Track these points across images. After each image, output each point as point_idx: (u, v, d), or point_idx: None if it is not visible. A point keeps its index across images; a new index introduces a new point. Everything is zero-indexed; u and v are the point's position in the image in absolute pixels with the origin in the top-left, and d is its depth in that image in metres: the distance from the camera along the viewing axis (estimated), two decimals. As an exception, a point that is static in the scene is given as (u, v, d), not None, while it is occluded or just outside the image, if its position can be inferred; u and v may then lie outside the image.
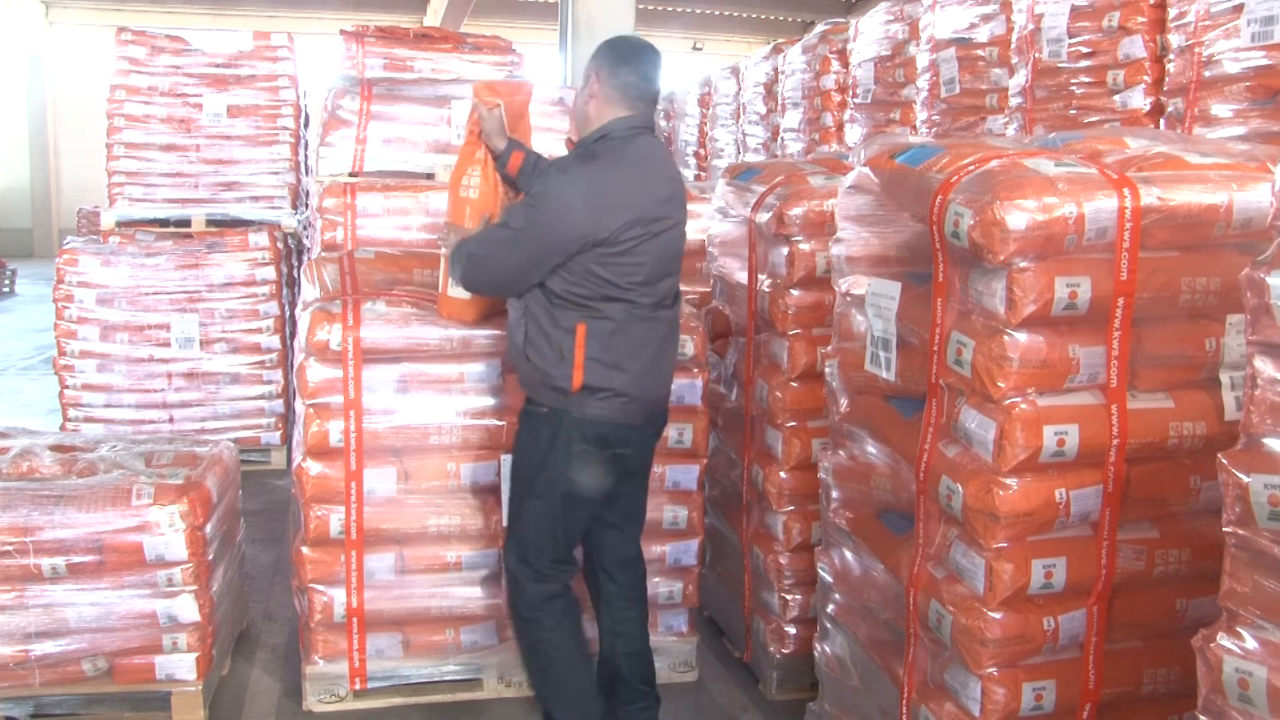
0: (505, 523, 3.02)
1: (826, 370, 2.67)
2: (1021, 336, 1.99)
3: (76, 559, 2.79)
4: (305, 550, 3.00)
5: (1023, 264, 1.96)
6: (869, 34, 5.39)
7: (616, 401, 2.54)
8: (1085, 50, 3.62)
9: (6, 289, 13.63)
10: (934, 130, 4.65)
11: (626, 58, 2.58)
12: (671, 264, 2.63)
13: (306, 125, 6.47)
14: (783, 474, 3.11)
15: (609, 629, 2.83)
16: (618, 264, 2.48)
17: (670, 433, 3.12)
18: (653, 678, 2.87)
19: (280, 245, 5.60)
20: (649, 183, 2.55)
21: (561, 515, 2.63)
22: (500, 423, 3.03)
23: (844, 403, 2.59)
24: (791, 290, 3.06)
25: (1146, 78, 3.39)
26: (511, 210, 2.58)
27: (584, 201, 2.44)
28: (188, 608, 2.89)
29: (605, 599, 2.83)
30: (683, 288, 4.01)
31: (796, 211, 3.02)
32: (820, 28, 6.17)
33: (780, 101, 6.65)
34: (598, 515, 2.74)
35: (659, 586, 3.23)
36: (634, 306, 2.52)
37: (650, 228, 2.51)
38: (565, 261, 2.47)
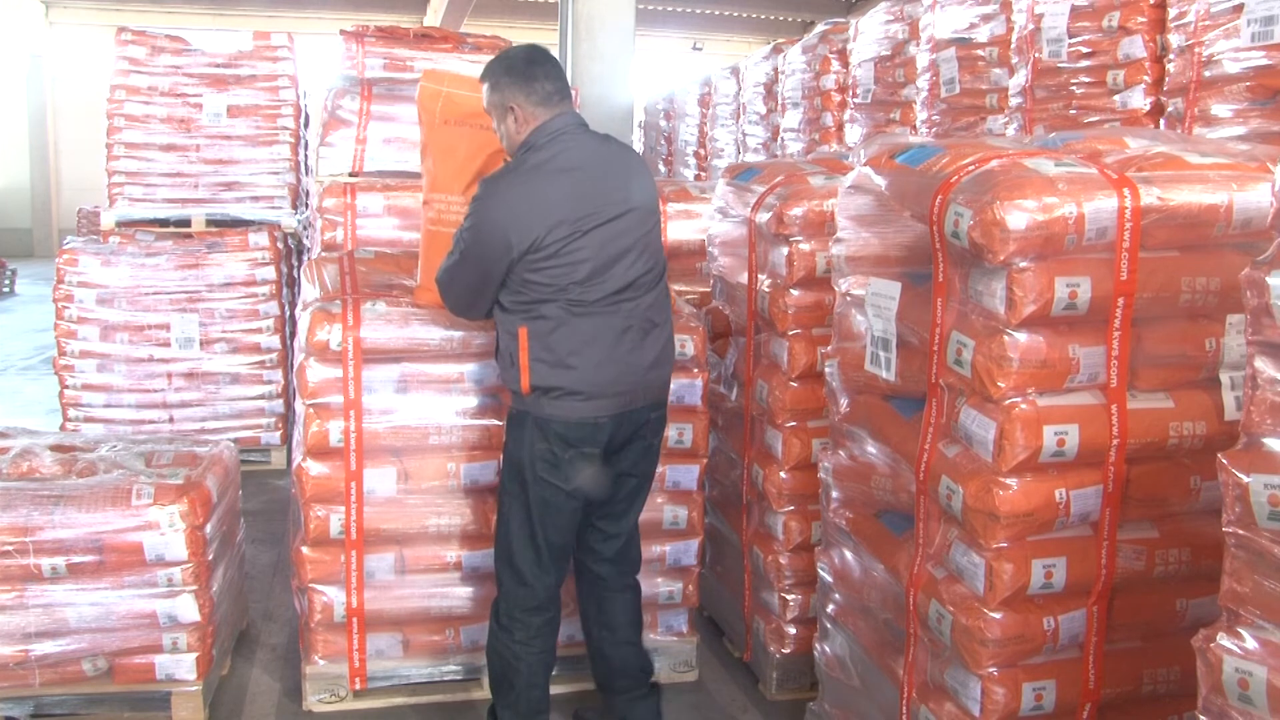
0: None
1: (826, 370, 2.67)
2: (1021, 336, 1.99)
3: (76, 559, 2.79)
4: (305, 550, 3.00)
5: (1023, 264, 1.96)
6: (869, 34, 5.39)
7: (571, 400, 2.53)
8: (1085, 50, 3.63)
9: (6, 289, 13.64)
10: (934, 130, 4.66)
11: (531, 73, 2.59)
12: (625, 258, 2.54)
13: (306, 125, 6.47)
14: (783, 474, 3.11)
15: (595, 619, 2.84)
16: (549, 268, 2.48)
17: (670, 433, 3.11)
18: (649, 668, 2.88)
19: (280, 245, 5.61)
20: (575, 181, 2.52)
21: (539, 517, 2.61)
22: (500, 423, 3.02)
23: (844, 403, 2.59)
24: (791, 290, 3.06)
25: (1146, 78, 3.39)
26: (457, 235, 2.61)
27: (504, 216, 2.48)
28: (188, 608, 2.90)
29: (592, 593, 2.84)
30: (683, 288, 4.04)
31: (796, 211, 3.02)
32: (820, 28, 6.17)
33: (780, 101, 6.65)
34: (587, 517, 2.72)
35: (659, 586, 3.23)
36: (574, 304, 2.50)
37: (580, 225, 2.47)
38: (508, 275, 2.52)
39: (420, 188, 3.90)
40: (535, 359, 2.51)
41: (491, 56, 5.44)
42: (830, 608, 2.69)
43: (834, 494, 2.64)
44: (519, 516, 2.63)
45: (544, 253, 2.47)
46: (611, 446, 2.61)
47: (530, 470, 2.58)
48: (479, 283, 2.57)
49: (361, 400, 2.93)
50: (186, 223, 5.90)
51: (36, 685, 2.86)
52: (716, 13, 18.42)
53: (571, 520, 2.66)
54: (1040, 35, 3.79)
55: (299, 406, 3.04)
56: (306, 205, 5.93)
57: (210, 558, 2.99)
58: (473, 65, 5.28)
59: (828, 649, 2.70)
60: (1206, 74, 3.09)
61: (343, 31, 5.39)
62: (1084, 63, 3.64)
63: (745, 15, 18.73)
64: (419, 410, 3.00)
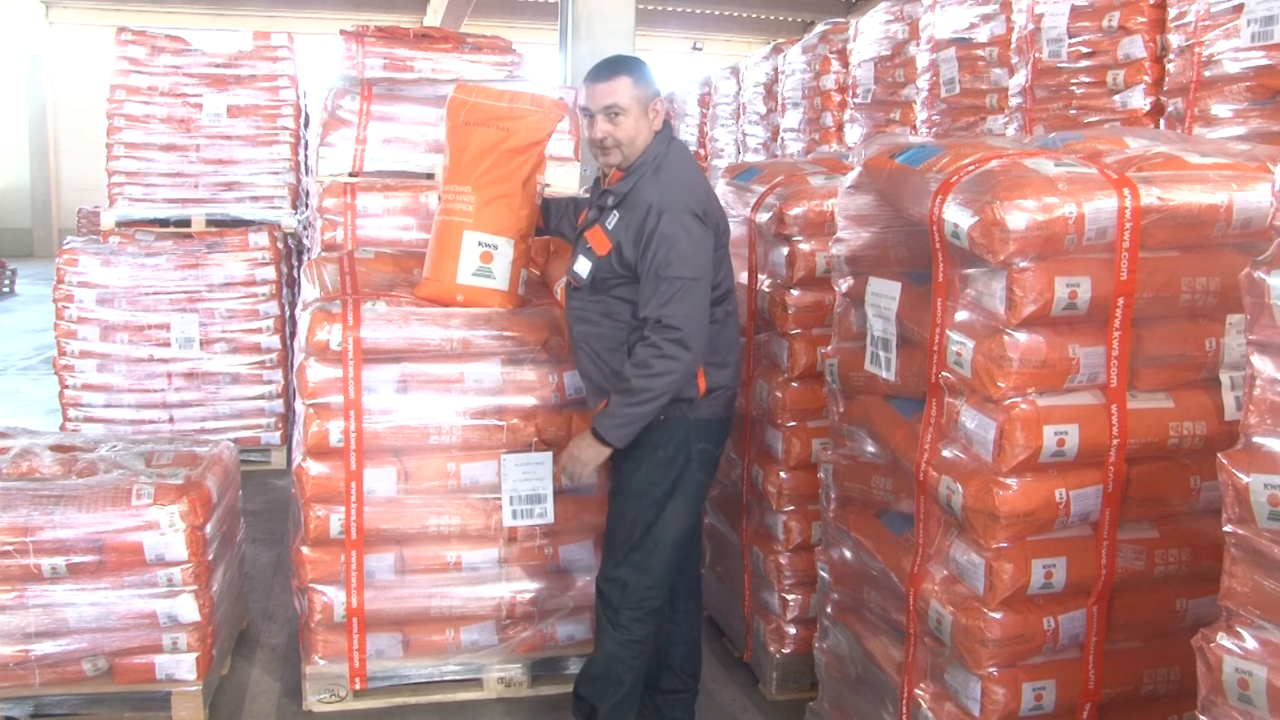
0: (505, 523, 3.04)
1: (826, 370, 2.68)
2: (1021, 336, 1.99)
3: (76, 559, 2.79)
4: (305, 550, 3.00)
5: (1023, 264, 1.96)
6: (869, 34, 5.39)
7: (724, 396, 2.64)
8: (1085, 50, 3.63)
9: (6, 289, 13.64)
10: (934, 130, 4.65)
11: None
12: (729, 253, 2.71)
13: (306, 125, 6.47)
14: (783, 474, 3.11)
15: (669, 618, 2.86)
16: (718, 262, 2.59)
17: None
18: (699, 669, 2.92)
19: (280, 245, 5.61)
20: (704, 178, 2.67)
21: (689, 514, 2.66)
22: (500, 423, 3.03)
23: (844, 403, 2.59)
24: (791, 290, 3.06)
25: (1146, 78, 3.39)
26: (664, 266, 2.47)
27: (701, 214, 2.52)
28: (188, 608, 2.89)
29: (670, 590, 2.84)
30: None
31: (796, 211, 3.02)
32: (820, 28, 6.17)
33: (780, 101, 6.65)
34: None
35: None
36: (725, 301, 2.63)
37: (719, 224, 2.62)
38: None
39: (419, 187, 3.93)
40: (708, 362, 2.57)
41: (491, 57, 5.46)
42: (830, 607, 2.69)
43: (834, 494, 2.64)
44: (671, 521, 2.62)
45: (719, 241, 2.57)
46: None
47: (688, 472, 2.60)
48: (707, 292, 2.53)
49: (361, 400, 2.93)
50: (186, 223, 5.90)
51: (36, 685, 2.86)
52: (716, 13, 18.43)
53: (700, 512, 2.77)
54: (1040, 35, 3.79)
55: (299, 406, 3.04)
56: (306, 205, 5.93)
57: (210, 558, 2.99)
58: (472, 65, 5.29)
59: (828, 649, 2.70)
60: (1206, 74, 3.09)
61: (343, 31, 5.40)
62: (1084, 63, 3.64)
63: (745, 15, 18.74)
64: (419, 410, 3.00)
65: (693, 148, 8.96)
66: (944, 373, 2.14)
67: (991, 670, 2.06)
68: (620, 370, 2.59)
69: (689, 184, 2.57)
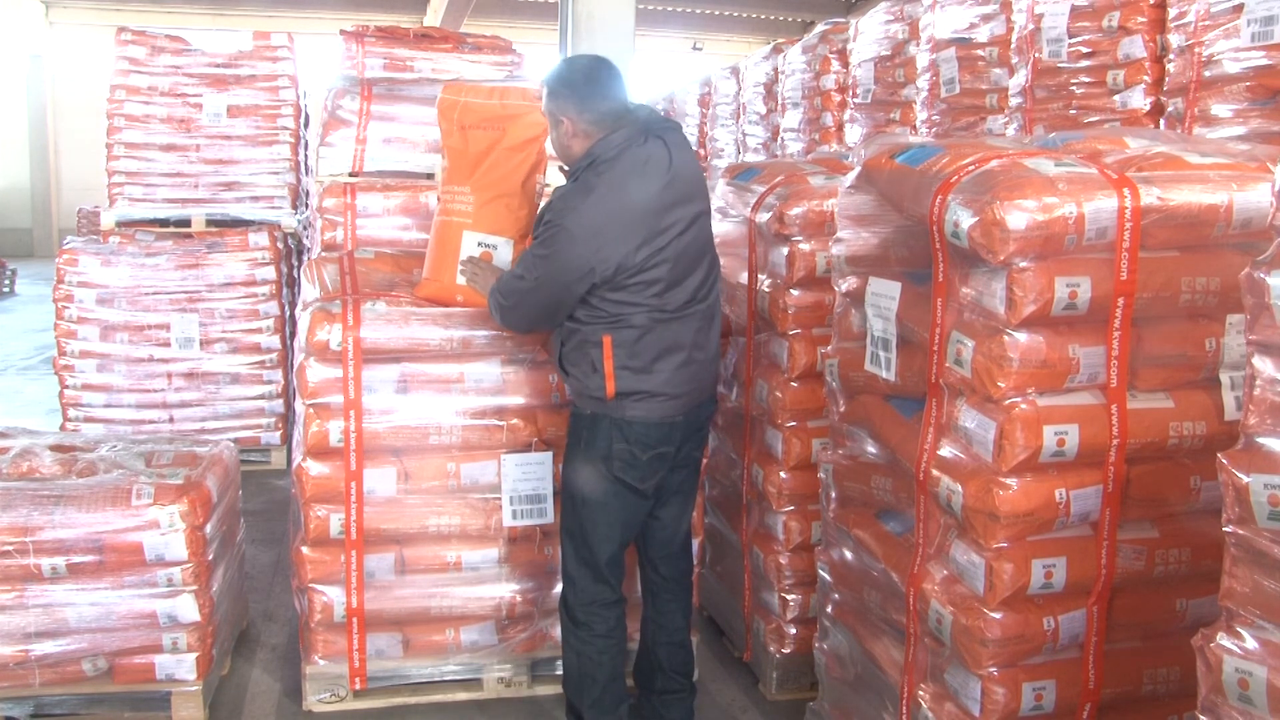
0: (505, 523, 3.04)
1: (826, 370, 2.68)
2: (1021, 336, 1.99)
3: (76, 559, 2.79)
4: (305, 550, 3.00)
5: (1023, 264, 1.96)
6: (869, 34, 5.39)
7: (653, 402, 2.59)
8: (1085, 50, 3.63)
9: (6, 289, 13.63)
10: (934, 130, 4.65)
11: (590, 89, 2.58)
12: (695, 261, 2.61)
13: (306, 125, 6.47)
14: (783, 474, 3.11)
15: (652, 619, 2.88)
16: (632, 285, 2.52)
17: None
18: (691, 668, 2.93)
19: (280, 245, 5.61)
20: (648, 196, 2.51)
21: (617, 513, 2.66)
22: (500, 423, 3.03)
23: (844, 403, 2.59)
24: (791, 290, 3.06)
25: (1146, 78, 3.39)
26: (525, 259, 2.62)
27: (584, 246, 2.47)
28: (188, 608, 2.90)
29: (650, 590, 2.88)
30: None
31: (796, 211, 3.02)
32: (820, 28, 6.17)
33: (780, 101, 6.65)
34: (650, 510, 2.77)
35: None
36: (658, 312, 2.55)
37: (658, 241, 2.51)
38: (587, 295, 2.54)
39: (419, 187, 3.93)
40: (621, 366, 2.55)
41: (490, 57, 5.47)
42: (830, 607, 2.69)
43: (834, 494, 2.64)
44: (596, 516, 2.66)
45: (627, 273, 2.50)
46: (680, 442, 2.69)
47: (607, 470, 2.61)
48: (552, 306, 2.59)
49: (361, 400, 2.93)
50: (186, 223, 5.90)
51: (36, 685, 2.86)
52: (716, 13, 18.42)
53: (641, 515, 2.73)
54: (1040, 35, 3.79)
55: (299, 406, 3.04)
56: (306, 205, 5.93)
57: (210, 558, 2.99)
58: (472, 65, 5.29)
59: (828, 649, 2.70)
60: (1206, 74, 3.09)
61: (343, 31, 5.40)
62: (1084, 63, 3.64)
63: (745, 15, 18.73)
64: (419, 410, 3.00)
65: (693, 147, 8.94)
66: (944, 373, 2.14)
67: (991, 670, 2.06)
68: (562, 367, 2.68)
69: (589, 220, 2.48)
